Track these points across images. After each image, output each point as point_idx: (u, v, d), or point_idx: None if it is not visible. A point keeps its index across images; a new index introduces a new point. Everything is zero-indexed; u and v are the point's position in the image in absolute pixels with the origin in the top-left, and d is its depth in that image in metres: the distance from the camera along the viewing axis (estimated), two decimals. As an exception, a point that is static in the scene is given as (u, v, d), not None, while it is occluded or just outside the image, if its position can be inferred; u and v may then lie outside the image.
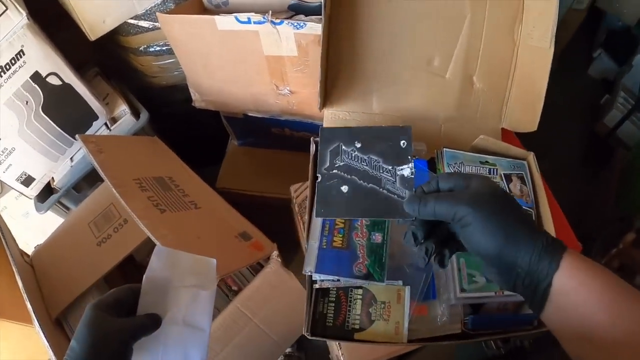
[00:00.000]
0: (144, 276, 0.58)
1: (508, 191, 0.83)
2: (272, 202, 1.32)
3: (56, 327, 1.01)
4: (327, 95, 0.97)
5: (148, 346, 0.56)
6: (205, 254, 0.86)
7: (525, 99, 0.98)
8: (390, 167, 0.58)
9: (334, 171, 0.59)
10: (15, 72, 1.02)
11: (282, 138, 1.33)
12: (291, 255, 1.26)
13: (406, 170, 0.58)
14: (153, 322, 0.56)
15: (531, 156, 0.89)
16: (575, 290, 0.44)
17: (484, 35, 0.97)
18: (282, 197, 1.10)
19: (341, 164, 0.59)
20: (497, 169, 0.86)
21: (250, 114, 1.22)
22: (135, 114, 1.22)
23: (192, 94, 1.20)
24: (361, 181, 0.59)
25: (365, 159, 0.60)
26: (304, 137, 1.29)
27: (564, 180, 0.86)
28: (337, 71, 0.97)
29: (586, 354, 0.44)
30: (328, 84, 0.97)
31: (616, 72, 2.05)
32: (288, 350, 1.45)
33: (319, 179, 0.59)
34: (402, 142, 0.60)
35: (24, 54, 1.02)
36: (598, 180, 1.76)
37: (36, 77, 1.06)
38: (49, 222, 1.21)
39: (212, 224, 1.02)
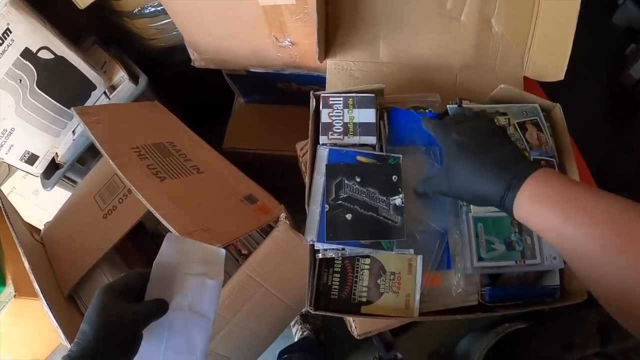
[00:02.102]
0: (154, 262, 0.58)
1: (525, 140, 0.73)
2: (282, 159, 1.25)
3: (69, 303, 0.98)
4: (329, 45, 0.86)
5: (153, 330, 0.57)
6: (207, 220, 0.84)
7: (551, 45, 0.84)
8: (384, 198, 0.67)
9: (339, 202, 0.66)
10: (4, 51, 0.98)
11: (289, 93, 1.24)
12: (303, 214, 1.18)
13: (397, 200, 0.67)
14: (161, 308, 0.56)
15: (557, 108, 0.76)
16: (528, 223, 0.52)
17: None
18: (292, 154, 1.02)
19: (344, 195, 0.67)
20: (509, 119, 0.74)
21: (252, 70, 1.13)
22: (135, 79, 1.15)
23: (190, 54, 1.11)
24: (362, 210, 0.66)
25: (364, 191, 0.67)
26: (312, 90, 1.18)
27: (586, 134, 0.76)
28: (338, 17, 0.85)
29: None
30: (329, 32, 0.86)
31: (642, 21, 1.83)
32: (304, 309, 1.40)
33: (327, 209, 0.66)
34: (393, 177, 0.67)
35: (10, 32, 0.97)
36: (622, 134, 1.60)
37: (27, 54, 1.01)
38: (60, 197, 1.17)
39: (216, 188, 0.96)
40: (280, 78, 1.16)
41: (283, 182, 1.16)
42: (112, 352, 0.52)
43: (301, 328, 1.34)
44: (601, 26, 1.93)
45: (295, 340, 1.35)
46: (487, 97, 0.77)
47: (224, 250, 0.63)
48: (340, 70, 0.85)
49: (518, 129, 0.73)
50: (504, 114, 0.75)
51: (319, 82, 1.09)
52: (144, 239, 1.18)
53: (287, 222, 0.91)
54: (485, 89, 0.79)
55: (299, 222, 0.92)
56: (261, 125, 1.33)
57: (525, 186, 0.51)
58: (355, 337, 0.83)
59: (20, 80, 1.02)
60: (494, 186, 0.54)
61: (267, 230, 0.94)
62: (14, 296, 1.19)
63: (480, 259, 0.68)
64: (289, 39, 0.97)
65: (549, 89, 0.92)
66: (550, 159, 0.73)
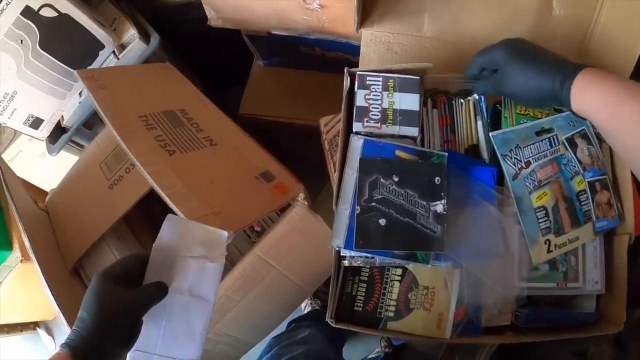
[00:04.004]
0: (154, 245, 0.55)
1: (576, 160, 0.64)
2: (301, 129, 1.13)
3: (73, 276, 0.90)
4: (367, 11, 0.72)
5: (152, 314, 0.53)
6: (218, 202, 0.74)
7: (616, 37, 0.69)
8: (424, 203, 0.57)
9: (372, 204, 0.57)
10: (3, 10, 0.88)
11: (312, 57, 1.09)
12: (320, 184, 1.08)
13: (439, 206, 0.57)
14: (160, 292, 0.53)
15: None
16: (587, 111, 0.52)
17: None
18: (313, 124, 0.92)
19: (379, 197, 0.57)
20: (556, 135, 0.63)
21: (274, 32, 0.99)
22: (146, 38, 1.01)
23: (206, 12, 0.96)
24: (398, 215, 0.57)
25: (402, 193, 0.56)
26: (338, 57, 1.05)
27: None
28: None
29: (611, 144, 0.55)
30: (367, -2, 0.71)
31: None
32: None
33: (358, 211, 0.56)
34: (436, 178, 0.58)
35: (9, -12, 0.87)
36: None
37: (27, 12, 0.90)
38: (67, 160, 1.08)
39: (229, 163, 0.85)
40: (304, 42, 1.01)
41: (301, 150, 1.05)
42: (111, 339, 0.49)
43: (311, 303, 1.26)
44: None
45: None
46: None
47: (226, 233, 0.58)
48: (377, 42, 0.71)
49: (568, 147, 0.63)
50: (550, 130, 0.63)
51: (347, 49, 0.95)
52: (152, 203, 1.08)
53: (306, 202, 0.80)
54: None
55: (314, 192, 0.82)
56: (281, 91, 1.19)
57: (581, 75, 0.51)
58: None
59: (22, 41, 0.91)
60: (550, 77, 0.53)
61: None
62: (21, 261, 1.11)
63: (522, 278, 0.60)
64: (317, 2, 0.82)
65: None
66: (603, 177, 0.65)
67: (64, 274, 0.88)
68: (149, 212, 1.07)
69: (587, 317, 0.66)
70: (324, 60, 1.09)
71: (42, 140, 1.06)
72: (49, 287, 0.78)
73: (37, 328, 1.51)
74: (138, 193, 0.85)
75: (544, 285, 0.62)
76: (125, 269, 0.53)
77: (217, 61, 1.25)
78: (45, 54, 0.94)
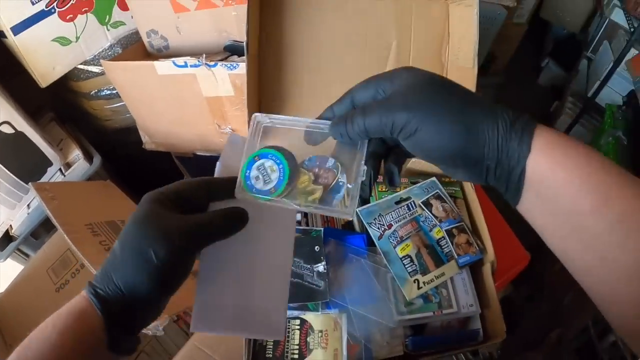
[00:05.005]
0: (217, 167, 0.47)
1: (433, 216, 0.84)
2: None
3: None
4: (263, 134, 0.98)
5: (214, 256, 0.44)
6: None
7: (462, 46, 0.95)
8: (309, 266, 0.77)
9: None
10: None
11: (233, 173, 1.34)
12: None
13: (320, 267, 0.77)
14: (237, 219, 0.42)
15: None
16: (554, 172, 0.35)
17: (411, 60, 0.99)
18: None
19: None
20: (413, 201, 0.86)
21: (199, 153, 1.24)
22: (89, 158, 1.23)
23: (142, 137, 1.21)
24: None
25: None
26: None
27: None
28: (269, 109, 0.97)
29: (571, 248, 0.36)
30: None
31: (564, 78, 2.09)
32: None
33: None
34: (316, 247, 0.78)
35: (-26, 105, 1.00)
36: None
37: None
38: (10, 269, 1.20)
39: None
40: (223, 160, 1.26)
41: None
42: (139, 274, 0.37)
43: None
44: (528, 88, 2.16)
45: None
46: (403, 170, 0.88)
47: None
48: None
49: (424, 208, 0.85)
50: (408, 198, 0.85)
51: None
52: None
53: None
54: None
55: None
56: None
57: (540, 127, 0.37)
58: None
59: (-20, 152, 1.04)
60: (490, 121, 0.36)
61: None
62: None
63: (400, 313, 0.77)
64: (230, 127, 1.09)
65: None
66: (460, 223, 0.84)
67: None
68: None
69: (473, 333, 0.81)
70: (243, 176, 1.34)
71: (-10, 247, 1.17)
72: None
73: None
74: (84, 294, 1.02)
75: (422, 315, 0.77)
76: (177, 193, 0.41)
77: (151, 180, 1.43)
78: (1, 166, 1.08)
